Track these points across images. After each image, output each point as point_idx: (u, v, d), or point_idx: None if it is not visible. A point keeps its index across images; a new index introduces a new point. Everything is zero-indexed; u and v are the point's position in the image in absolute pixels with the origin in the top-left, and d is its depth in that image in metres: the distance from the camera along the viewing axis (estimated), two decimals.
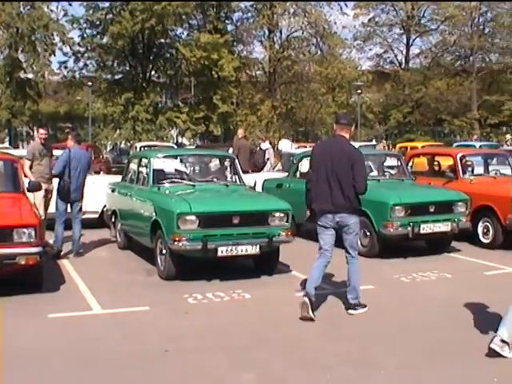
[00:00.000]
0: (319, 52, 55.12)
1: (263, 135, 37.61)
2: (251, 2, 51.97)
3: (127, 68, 47.73)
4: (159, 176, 11.89)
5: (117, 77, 48.05)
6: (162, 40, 47.21)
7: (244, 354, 7.08)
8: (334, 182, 8.34)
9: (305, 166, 15.10)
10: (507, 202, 12.99)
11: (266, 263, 11.06)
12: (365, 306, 8.68)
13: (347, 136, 8.70)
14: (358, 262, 8.74)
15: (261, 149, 23.18)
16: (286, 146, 27.17)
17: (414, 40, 64.41)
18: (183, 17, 45.92)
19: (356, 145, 11.13)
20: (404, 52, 64.94)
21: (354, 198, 8.41)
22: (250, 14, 52.64)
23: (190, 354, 7.03)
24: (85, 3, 45.02)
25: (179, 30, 48.81)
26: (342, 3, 54.13)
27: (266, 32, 52.89)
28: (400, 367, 6.68)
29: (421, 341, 7.48)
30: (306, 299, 8.32)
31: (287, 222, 10.76)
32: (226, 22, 51.31)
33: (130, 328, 8.01)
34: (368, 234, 12.33)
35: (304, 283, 9.16)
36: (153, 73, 49.11)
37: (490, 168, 16.08)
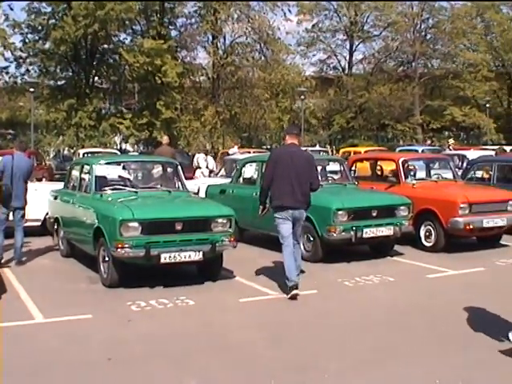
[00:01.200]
0: (263, 58, 55.11)
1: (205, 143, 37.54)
2: (195, 8, 51.88)
3: (70, 74, 47.00)
4: (101, 183, 11.79)
5: (59, 83, 47.25)
6: (105, 46, 46.58)
7: (187, 360, 7.04)
8: (295, 182, 9.75)
9: (248, 171, 15.15)
10: (449, 205, 13.21)
11: (210, 269, 11.01)
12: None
13: (298, 143, 10.27)
14: None
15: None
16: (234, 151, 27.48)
17: (357, 46, 65.17)
18: (126, 22, 45.49)
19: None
20: (347, 58, 65.61)
21: (309, 195, 9.98)
22: (193, 20, 52.44)
23: (133, 362, 6.97)
24: (26, 8, 44.32)
25: (122, 35, 48.30)
26: (285, 9, 54.19)
27: (210, 38, 52.71)
28: (344, 370, 6.72)
29: (364, 344, 7.53)
30: (296, 291, 9.56)
31: (230, 227, 10.74)
32: (170, 27, 50.96)
33: (73, 336, 7.89)
34: (311, 238, 12.37)
35: (248, 289, 9.18)
36: (96, 79, 48.55)
37: (432, 172, 16.27)
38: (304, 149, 11.11)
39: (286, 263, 9.74)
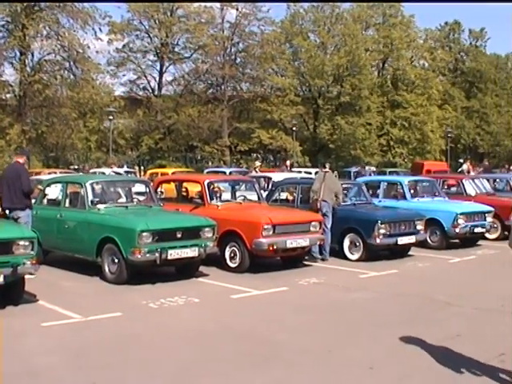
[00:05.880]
0: (72, 76, 54.20)
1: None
2: (2, 22, 50.28)
3: None
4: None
5: None
6: None
7: None
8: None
9: (52, 192, 14.82)
10: (252, 226, 13.48)
11: (11, 293, 10.62)
12: None
13: (22, 161, 13.76)
14: None
15: None
16: None
17: (167, 67, 65.48)
18: None
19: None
20: (157, 79, 65.73)
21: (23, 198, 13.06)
22: (0, 35, 50.85)
23: None
24: None
25: None
26: (96, 28, 53.49)
27: (18, 54, 51.20)
28: None
29: (171, 365, 7.54)
30: None
31: (33, 250, 10.42)
32: None
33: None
34: (116, 260, 12.23)
35: (51, 313, 8.94)
36: None
37: (238, 194, 16.56)
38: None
39: None
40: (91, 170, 39.47)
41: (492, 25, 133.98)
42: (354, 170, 45.15)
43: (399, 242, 15.58)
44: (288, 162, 37.97)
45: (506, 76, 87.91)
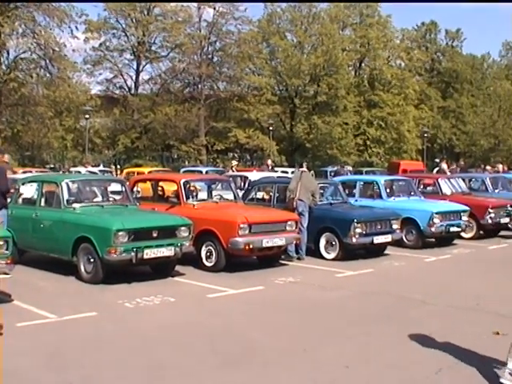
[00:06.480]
0: (48, 75, 53.89)
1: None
2: None
3: None
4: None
5: None
6: None
7: None
8: None
9: (28, 191, 14.72)
10: (229, 226, 13.47)
11: None
12: None
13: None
14: None
15: None
16: None
17: (144, 66, 65.31)
18: None
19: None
20: (134, 77, 65.54)
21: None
22: None
23: None
24: None
25: None
26: (73, 26, 53.21)
27: None
28: None
29: (145, 364, 7.52)
30: None
31: (7, 249, 10.36)
32: None
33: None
34: (92, 260, 12.17)
35: (26, 313, 8.89)
36: None
37: (214, 193, 16.52)
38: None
39: None
40: (71, 169, 39.23)
41: (468, 25, 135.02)
42: (330, 169, 45.26)
43: (375, 241, 15.64)
44: (269, 161, 37.96)
45: (481, 76, 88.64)
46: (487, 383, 6.94)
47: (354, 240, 15.23)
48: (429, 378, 7.10)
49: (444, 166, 30.54)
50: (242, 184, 22.37)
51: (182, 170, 37.14)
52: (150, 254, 12.16)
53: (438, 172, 30.51)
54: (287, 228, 14.42)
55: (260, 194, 18.37)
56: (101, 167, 45.47)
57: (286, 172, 33.41)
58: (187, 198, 14.91)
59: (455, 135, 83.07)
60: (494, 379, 6.95)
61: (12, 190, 14.31)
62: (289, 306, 10.86)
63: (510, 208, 20.53)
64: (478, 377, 7.11)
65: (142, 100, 63.10)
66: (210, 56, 65.74)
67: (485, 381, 6.99)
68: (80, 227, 12.44)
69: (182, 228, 12.92)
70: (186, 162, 61.30)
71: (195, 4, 63.12)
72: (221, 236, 13.55)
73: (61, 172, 34.20)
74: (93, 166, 42.52)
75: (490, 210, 19.67)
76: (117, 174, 44.80)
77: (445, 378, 7.10)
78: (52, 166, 56.06)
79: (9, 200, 13.96)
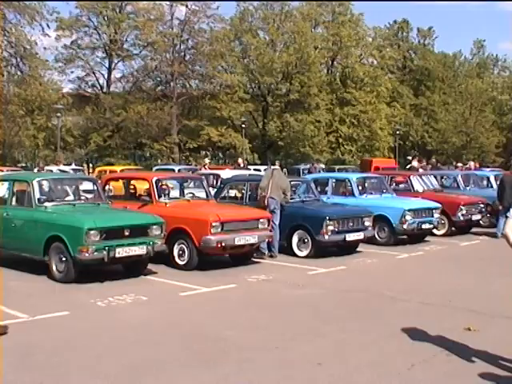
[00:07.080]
0: (19, 73, 53.53)
1: None
2: None
3: None
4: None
5: None
6: None
7: None
8: None
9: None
10: (201, 224, 13.45)
11: None
12: None
13: None
14: None
15: None
16: None
17: (116, 64, 65.18)
18: None
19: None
20: (106, 76, 65.28)
21: None
22: None
23: None
24: None
25: None
26: (44, 24, 52.89)
27: None
28: None
29: (119, 363, 7.49)
30: None
31: None
32: None
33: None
34: (64, 259, 12.08)
35: None
36: None
37: (186, 191, 16.49)
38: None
39: None
40: (46, 168, 38.96)
41: (440, 24, 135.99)
42: (303, 167, 45.34)
43: (347, 239, 15.70)
44: (240, 160, 37.93)
45: (453, 74, 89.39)
46: (459, 378, 7.01)
47: (327, 237, 15.27)
48: (401, 374, 7.13)
49: (415, 163, 30.70)
50: (215, 182, 22.35)
51: (155, 168, 37.07)
52: (122, 252, 12.10)
53: (409, 169, 30.70)
54: (259, 226, 14.44)
55: (232, 192, 18.38)
56: (73, 166, 45.12)
57: (259, 170, 33.42)
58: (159, 196, 14.86)
59: (427, 133, 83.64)
60: (466, 374, 7.01)
61: None
62: (262, 303, 10.89)
63: (481, 205, 20.73)
64: (450, 372, 7.17)
65: (114, 98, 62.88)
66: (182, 54, 65.62)
67: (457, 375, 7.06)
68: (51, 226, 12.35)
69: (154, 226, 12.88)
70: (159, 161, 61.10)
71: (167, 2, 63.11)
72: (193, 234, 13.52)
73: (35, 170, 33.82)
74: (65, 165, 42.23)
75: (462, 207, 19.83)
76: (89, 173, 44.51)
77: (418, 373, 7.14)
78: (24, 164, 55.67)
79: None
